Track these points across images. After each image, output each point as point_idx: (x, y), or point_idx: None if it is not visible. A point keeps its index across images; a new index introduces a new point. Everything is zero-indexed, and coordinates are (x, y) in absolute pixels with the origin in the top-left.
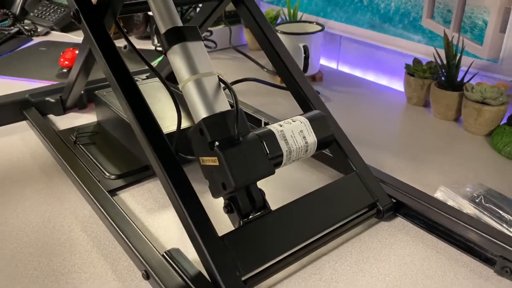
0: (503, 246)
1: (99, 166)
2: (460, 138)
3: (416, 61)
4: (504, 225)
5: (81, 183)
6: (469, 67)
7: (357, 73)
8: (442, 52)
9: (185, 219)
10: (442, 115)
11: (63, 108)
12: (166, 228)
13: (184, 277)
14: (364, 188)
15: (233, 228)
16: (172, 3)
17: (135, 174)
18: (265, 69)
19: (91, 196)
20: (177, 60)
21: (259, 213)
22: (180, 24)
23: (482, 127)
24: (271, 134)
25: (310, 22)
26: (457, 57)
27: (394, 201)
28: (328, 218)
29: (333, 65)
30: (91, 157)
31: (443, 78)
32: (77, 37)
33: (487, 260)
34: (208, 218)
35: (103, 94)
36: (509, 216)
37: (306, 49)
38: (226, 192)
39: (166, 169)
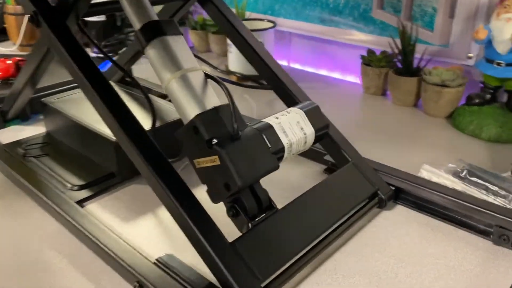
0: (498, 216)
1: (59, 177)
2: (423, 121)
3: (370, 51)
4: (491, 196)
5: (44, 198)
6: (423, 53)
7: (309, 69)
8: (392, 44)
9: (189, 227)
10: (401, 102)
11: (3, 120)
12: (147, 237)
13: (186, 284)
14: (363, 178)
15: (238, 234)
16: None
17: (100, 183)
18: (218, 70)
19: (59, 210)
20: (157, 57)
21: (266, 213)
22: (156, 18)
23: (442, 109)
24: (269, 127)
25: (260, 20)
26: (413, 43)
27: (393, 188)
28: (335, 211)
29: (283, 63)
30: (47, 169)
31: (399, 65)
32: (3, 48)
33: (481, 232)
34: (214, 223)
35: (52, 101)
36: (495, 187)
37: (261, 46)
38: (229, 194)
39: (158, 172)
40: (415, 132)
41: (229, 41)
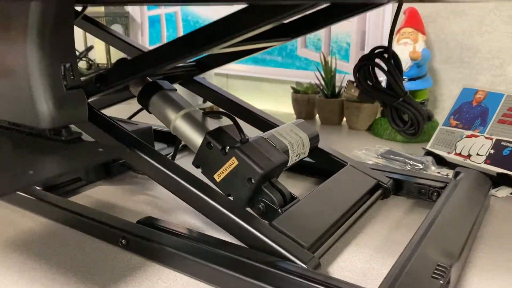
0: (417, 177)
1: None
2: (347, 133)
3: (298, 83)
4: (409, 167)
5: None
6: (342, 80)
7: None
8: (317, 75)
9: (220, 213)
10: (328, 120)
11: None
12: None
13: (173, 234)
14: (364, 174)
15: None
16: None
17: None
18: None
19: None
20: (160, 106)
21: (292, 202)
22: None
23: (363, 122)
24: (270, 134)
25: None
26: (333, 72)
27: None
28: (350, 196)
29: None
30: None
31: (324, 92)
32: None
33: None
34: (247, 210)
35: None
36: (411, 161)
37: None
38: (254, 186)
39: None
40: (342, 139)
41: None
